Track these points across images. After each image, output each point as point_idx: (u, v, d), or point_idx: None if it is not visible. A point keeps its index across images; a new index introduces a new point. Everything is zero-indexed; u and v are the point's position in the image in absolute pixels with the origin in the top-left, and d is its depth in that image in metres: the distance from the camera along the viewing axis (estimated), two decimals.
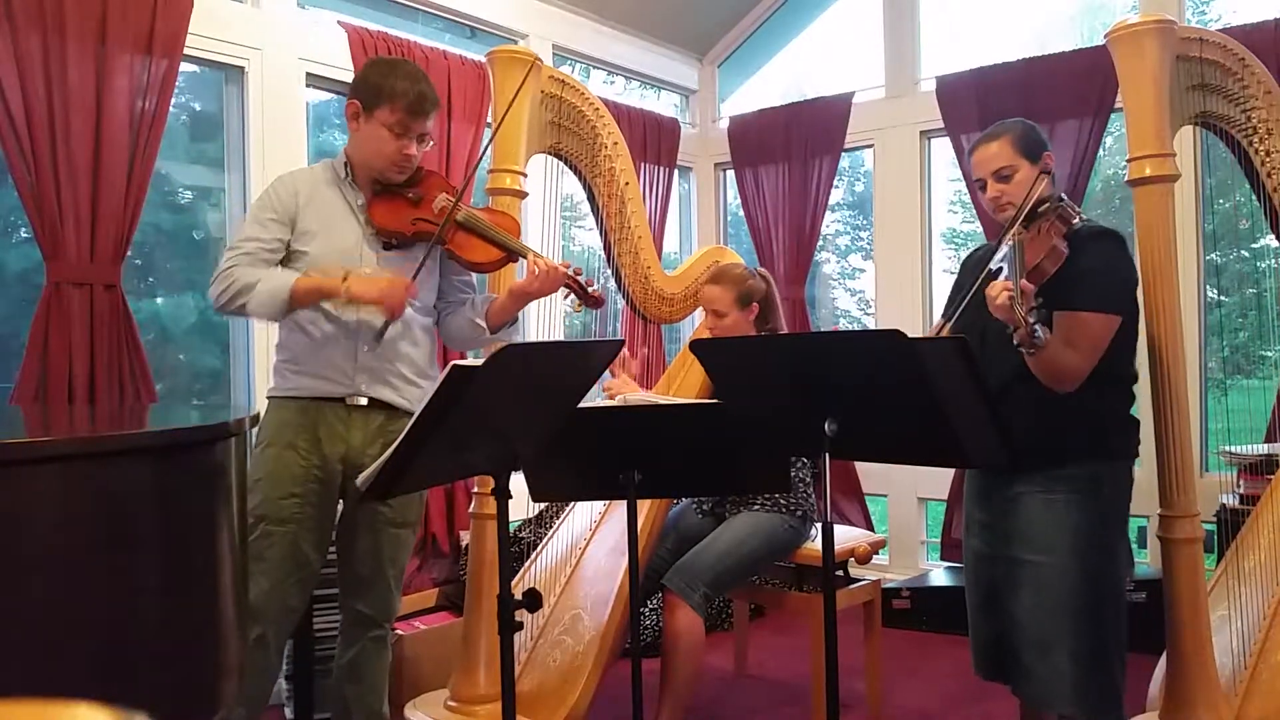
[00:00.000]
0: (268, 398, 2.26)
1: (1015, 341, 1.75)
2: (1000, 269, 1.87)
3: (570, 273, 2.26)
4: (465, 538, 3.49)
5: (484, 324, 2.31)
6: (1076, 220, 1.96)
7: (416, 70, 2.19)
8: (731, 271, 2.83)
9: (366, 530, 2.24)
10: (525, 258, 2.26)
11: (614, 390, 2.76)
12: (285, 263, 2.21)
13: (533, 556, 3.05)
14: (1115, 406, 2.07)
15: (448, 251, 2.25)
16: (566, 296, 2.31)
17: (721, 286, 2.78)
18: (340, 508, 2.28)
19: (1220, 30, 2.70)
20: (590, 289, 2.30)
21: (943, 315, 2.27)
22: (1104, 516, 2.02)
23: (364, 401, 2.19)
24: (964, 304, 1.91)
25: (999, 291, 1.76)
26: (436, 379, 2.32)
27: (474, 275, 2.40)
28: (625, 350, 2.85)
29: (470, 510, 2.77)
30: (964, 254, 2.43)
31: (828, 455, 1.65)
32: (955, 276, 2.34)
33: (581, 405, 1.89)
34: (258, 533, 2.10)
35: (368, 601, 2.28)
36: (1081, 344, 1.91)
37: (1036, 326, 1.69)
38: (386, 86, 2.12)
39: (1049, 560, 1.99)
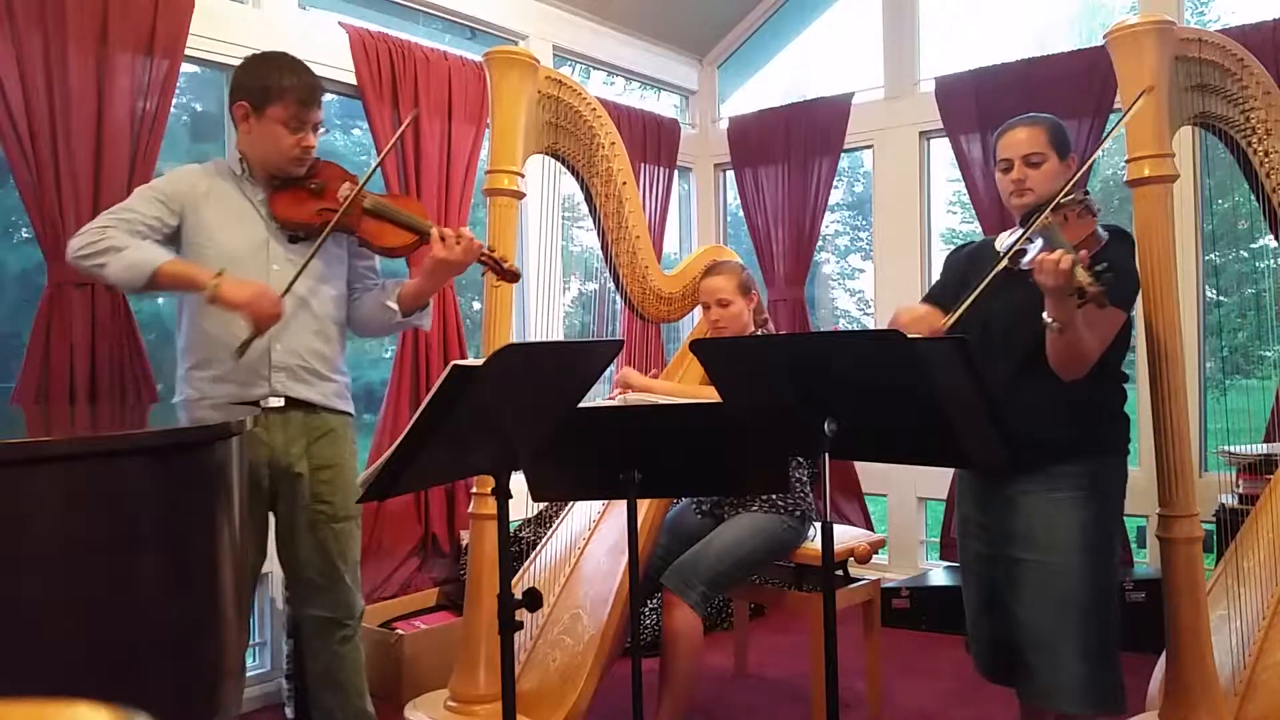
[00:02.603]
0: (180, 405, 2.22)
1: (1082, 301, 1.70)
2: (1025, 251, 1.87)
3: (485, 250, 2.25)
4: (465, 537, 3.50)
5: (395, 306, 2.28)
6: (1098, 208, 1.98)
7: (296, 61, 2.18)
8: (726, 264, 2.93)
9: (307, 532, 2.21)
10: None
11: (627, 382, 2.77)
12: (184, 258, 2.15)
13: (532, 556, 3.06)
14: (1112, 402, 2.09)
15: (359, 239, 2.24)
16: (484, 273, 2.29)
17: (724, 276, 2.85)
18: (276, 515, 2.24)
19: (1219, 31, 2.70)
20: (504, 263, 2.28)
21: (927, 297, 2.28)
22: (1103, 512, 2.04)
23: (280, 402, 2.16)
24: (976, 294, 1.90)
25: (1060, 257, 1.71)
26: (347, 374, 2.33)
27: (378, 260, 2.38)
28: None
29: (470, 510, 2.77)
30: (965, 243, 2.43)
31: (827, 455, 1.65)
32: (942, 273, 2.34)
33: (581, 405, 1.89)
34: None
35: (326, 604, 2.25)
36: (1099, 333, 1.93)
37: (1104, 290, 1.67)
38: (273, 83, 2.11)
39: (1052, 559, 1.99)
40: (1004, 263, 1.92)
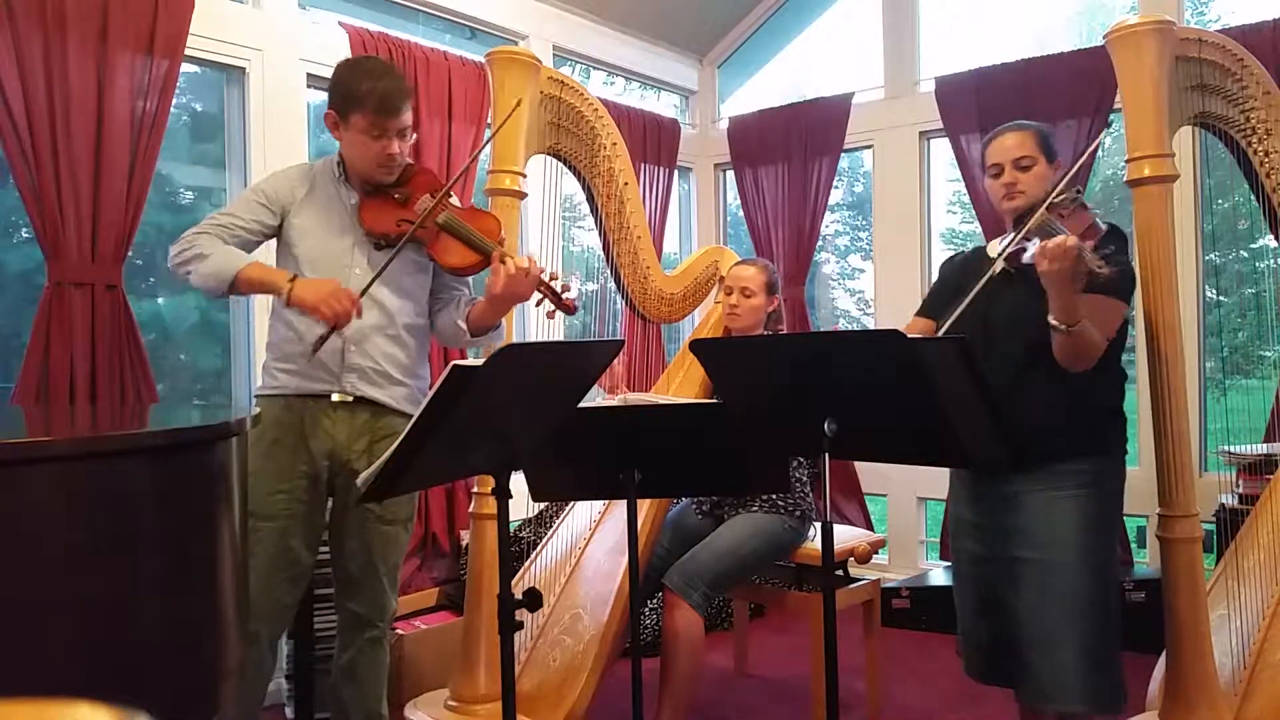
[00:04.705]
0: (255, 396, 2.28)
1: (1092, 283, 1.77)
2: (1024, 249, 1.90)
3: (545, 278, 2.21)
4: (465, 537, 3.50)
5: (464, 326, 2.29)
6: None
7: (379, 66, 2.16)
8: (759, 260, 3.00)
9: (356, 528, 2.24)
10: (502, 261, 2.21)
11: (614, 387, 2.78)
12: (279, 253, 2.23)
13: (532, 556, 3.06)
14: (1113, 401, 2.10)
15: (429, 255, 2.24)
16: (539, 304, 2.26)
17: (756, 269, 2.90)
18: (330, 505, 2.28)
19: (1219, 31, 2.70)
20: (565, 295, 2.25)
21: (920, 310, 2.31)
22: (1104, 511, 2.05)
23: (350, 398, 2.19)
24: (972, 297, 1.93)
25: (1066, 239, 1.76)
26: (425, 378, 2.33)
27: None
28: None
29: (470, 510, 2.77)
30: (959, 250, 2.45)
31: (827, 455, 1.66)
32: (935, 285, 2.37)
33: (581, 405, 1.89)
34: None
35: (361, 601, 2.27)
36: (1104, 327, 1.96)
37: (1106, 267, 1.74)
38: (352, 91, 2.10)
39: (1055, 557, 2.00)
40: (1000, 264, 1.97)
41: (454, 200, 2.29)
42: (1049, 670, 1.99)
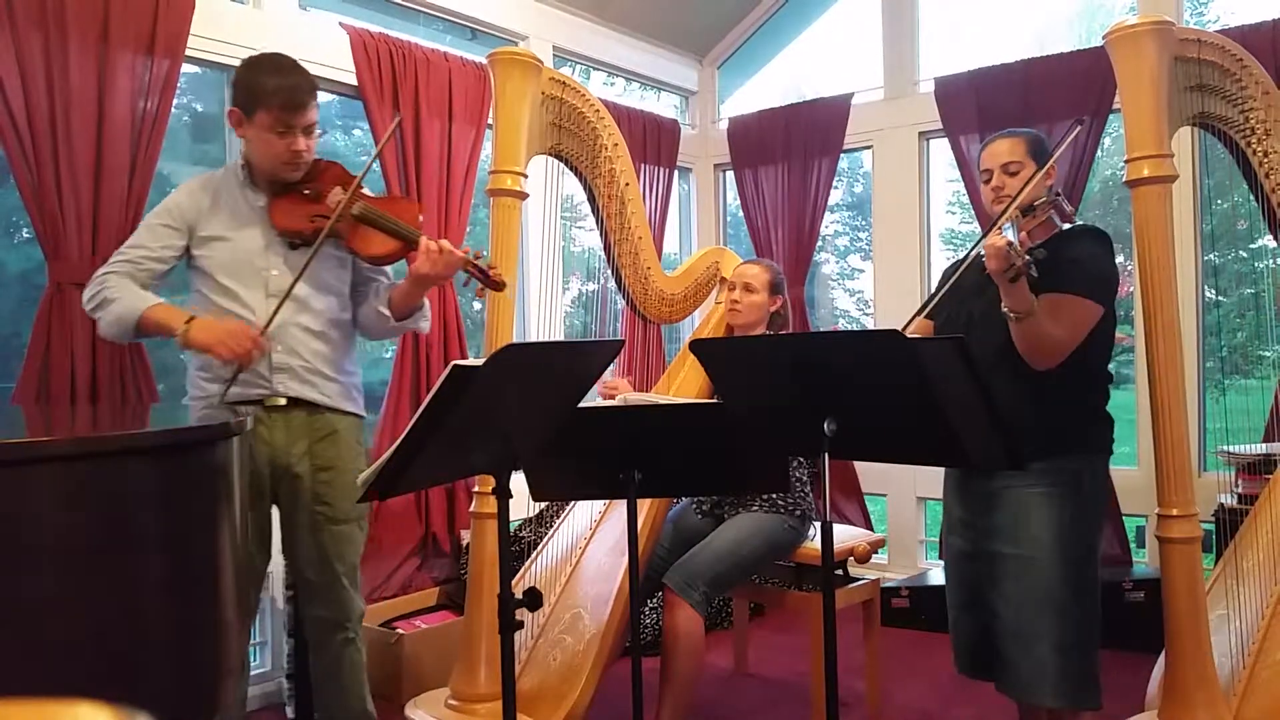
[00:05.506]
0: (185, 405, 2.25)
1: (1010, 276, 1.83)
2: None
3: (470, 257, 2.20)
4: (466, 537, 3.50)
5: (387, 312, 2.26)
6: (1070, 210, 2.05)
7: (285, 62, 2.14)
8: (763, 260, 3.03)
9: (308, 532, 2.22)
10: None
11: (612, 388, 2.78)
12: (190, 266, 2.20)
13: (533, 556, 3.06)
14: (1095, 401, 2.13)
15: (347, 248, 2.21)
16: (467, 283, 2.25)
17: (760, 267, 2.91)
18: (277, 514, 2.25)
19: (1218, 31, 2.71)
20: (491, 272, 2.23)
21: (922, 313, 2.34)
22: (1084, 510, 2.07)
23: (282, 401, 2.17)
24: (938, 296, 2.01)
25: (996, 242, 1.84)
26: (355, 374, 2.32)
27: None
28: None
29: (470, 510, 2.77)
30: (962, 254, 2.47)
31: (827, 455, 1.66)
32: (938, 286, 2.39)
33: (582, 405, 1.89)
34: None
35: (324, 605, 2.26)
36: (1065, 323, 1.99)
37: (1031, 262, 1.80)
38: (257, 88, 2.08)
39: (1031, 554, 2.04)
40: (970, 260, 2.01)
41: (367, 190, 2.26)
42: (1026, 665, 2.03)
